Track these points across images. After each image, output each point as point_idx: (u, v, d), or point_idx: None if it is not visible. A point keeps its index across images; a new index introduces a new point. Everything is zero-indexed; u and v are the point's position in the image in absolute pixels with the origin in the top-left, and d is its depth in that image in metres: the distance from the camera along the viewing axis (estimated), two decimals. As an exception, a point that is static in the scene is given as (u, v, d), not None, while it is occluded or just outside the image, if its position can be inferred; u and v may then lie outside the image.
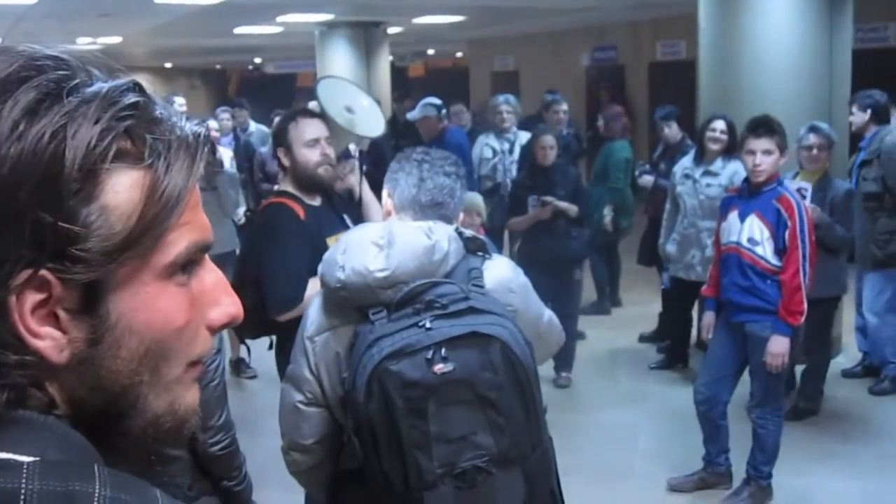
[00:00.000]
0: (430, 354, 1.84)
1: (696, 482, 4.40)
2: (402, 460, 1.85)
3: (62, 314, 0.65)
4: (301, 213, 3.18)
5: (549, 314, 2.28)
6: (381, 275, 1.92)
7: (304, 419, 2.10)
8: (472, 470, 1.87)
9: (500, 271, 2.09)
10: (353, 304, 1.98)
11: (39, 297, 0.64)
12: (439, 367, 1.84)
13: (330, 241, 3.01)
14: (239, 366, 6.34)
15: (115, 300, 0.67)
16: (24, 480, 0.59)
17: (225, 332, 5.46)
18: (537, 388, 1.96)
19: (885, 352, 5.68)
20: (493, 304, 1.96)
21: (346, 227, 3.09)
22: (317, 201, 3.29)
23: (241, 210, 6.37)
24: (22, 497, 0.59)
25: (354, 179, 3.58)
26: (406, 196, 2.13)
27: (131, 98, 0.67)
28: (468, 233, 2.09)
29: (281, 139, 3.29)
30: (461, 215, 2.25)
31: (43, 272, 0.63)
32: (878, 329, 5.67)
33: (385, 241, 1.95)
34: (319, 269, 2.05)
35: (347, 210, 3.43)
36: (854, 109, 5.79)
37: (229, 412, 2.50)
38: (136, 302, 0.68)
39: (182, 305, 0.71)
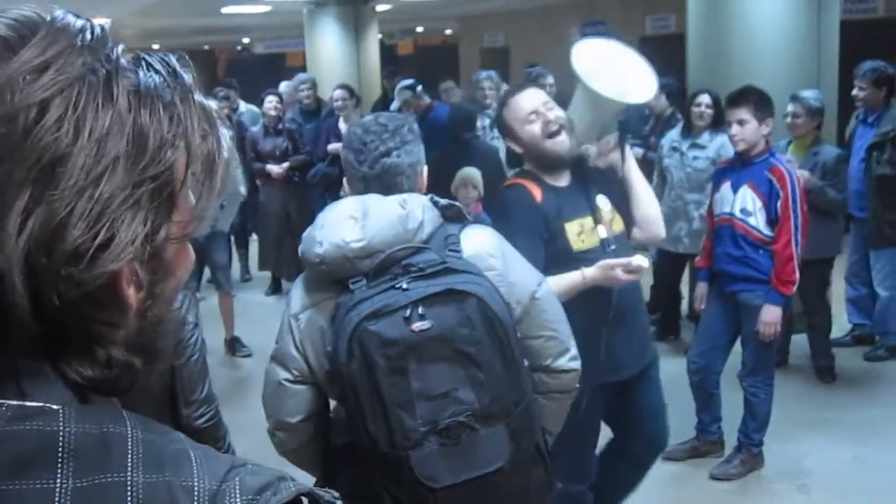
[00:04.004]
0: (407, 313, 1.88)
1: (688, 450, 4.45)
2: (386, 420, 1.88)
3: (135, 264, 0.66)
4: (538, 195, 2.90)
5: (546, 287, 2.20)
6: (357, 245, 1.95)
7: (289, 396, 2.11)
8: (455, 426, 1.90)
9: (479, 237, 2.11)
10: (333, 277, 2.01)
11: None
12: (417, 325, 1.87)
13: (569, 226, 2.86)
14: (234, 345, 6.36)
15: (167, 246, 0.69)
16: (61, 423, 0.62)
17: (218, 312, 5.49)
18: (517, 344, 1.99)
19: (890, 323, 5.76)
20: (470, 265, 1.99)
21: (593, 211, 2.92)
22: (563, 181, 2.98)
23: (242, 189, 6.36)
24: (60, 438, 0.61)
25: (617, 156, 3.13)
26: (359, 190, 2.12)
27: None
28: (443, 201, 2.10)
29: (504, 129, 3.04)
30: (423, 178, 2.19)
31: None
32: (888, 301, 5.72)
33: (360, 213, 1.99)
34: (300, 248, 2.08)
35: (609, 189, 3.06)
36: (863, 84, 5.54)
37: (211, 384, 2.53)
38: (179, 247, 0.70)
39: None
